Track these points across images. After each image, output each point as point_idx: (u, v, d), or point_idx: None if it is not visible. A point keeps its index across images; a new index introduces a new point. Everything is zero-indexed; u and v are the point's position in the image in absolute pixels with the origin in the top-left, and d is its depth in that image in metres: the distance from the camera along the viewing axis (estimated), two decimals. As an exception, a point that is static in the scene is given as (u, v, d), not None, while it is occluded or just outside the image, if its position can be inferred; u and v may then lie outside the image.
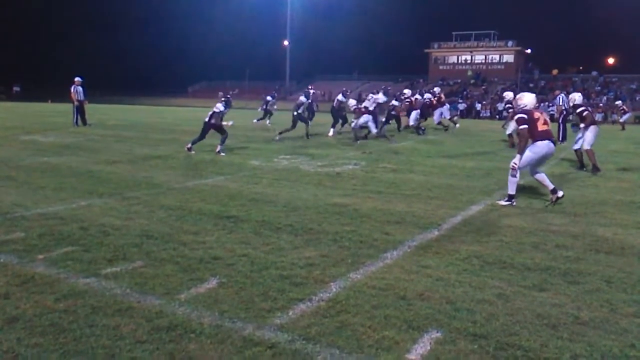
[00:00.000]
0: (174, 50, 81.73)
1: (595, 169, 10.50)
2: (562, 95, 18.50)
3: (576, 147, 11.08)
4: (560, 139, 17.00)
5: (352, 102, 17.62)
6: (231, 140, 15.79)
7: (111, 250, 4.72)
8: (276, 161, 11.15)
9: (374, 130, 15.86)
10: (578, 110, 11.03)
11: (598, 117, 17.47)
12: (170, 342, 3.02)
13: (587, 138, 10.80)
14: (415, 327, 3.29)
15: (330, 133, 18.17)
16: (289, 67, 70.56)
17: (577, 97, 11.55)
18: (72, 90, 20.53)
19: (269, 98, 24.56)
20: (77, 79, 20.62)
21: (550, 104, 16.86)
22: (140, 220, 5.86)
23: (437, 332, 3.23)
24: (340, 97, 18.94)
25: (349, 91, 20.14)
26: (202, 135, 12.37)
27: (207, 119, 12.24)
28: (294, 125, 16.66)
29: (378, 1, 75.56)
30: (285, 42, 70.58)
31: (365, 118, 15.79)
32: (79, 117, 20.56)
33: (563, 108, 17.63)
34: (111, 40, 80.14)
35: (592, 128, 10.83)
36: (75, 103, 20.59)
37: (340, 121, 18.98)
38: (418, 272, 4.31)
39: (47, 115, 28.84)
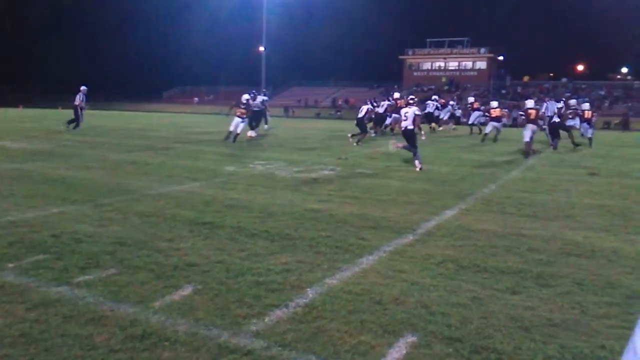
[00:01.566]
0: (149, 55, 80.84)
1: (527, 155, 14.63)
2: (548, 102, 19.05)
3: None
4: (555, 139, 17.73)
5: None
6: (206, 145, 15.71)
7: (84, 257, 4.64)
8: (252, 167, 11.11)
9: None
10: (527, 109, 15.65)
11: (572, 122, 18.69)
12: (145, 351, 2.98)
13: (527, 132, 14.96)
14: (390, 331, 3.31)
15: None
16: (265, 73, 70.50)
17: (529, 103, 16.48)
18: (79, 97, 21.53)
19: (264, 98, 22.28)
20: (83, 87, 21.71)
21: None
22: (114, 227, 5.78)
23: (413, 336, 3.25)
24: (369, 106, 19.65)
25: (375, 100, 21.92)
26: None
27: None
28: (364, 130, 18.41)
29: (354, 8, 75.99)
30: (261, 48, 70.52)
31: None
32: (76, 123, 21.51)
33: (547, 115, 18.16)
34: (85, 46, 78.95)
35: (530, 126, 15.01)
36: (84, 109, 21.93)
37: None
38: (393, 277, 4.34)
39: (18, 121, 28.30)
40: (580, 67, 74.49)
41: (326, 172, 10.47)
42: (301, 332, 3.27)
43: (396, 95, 23.28)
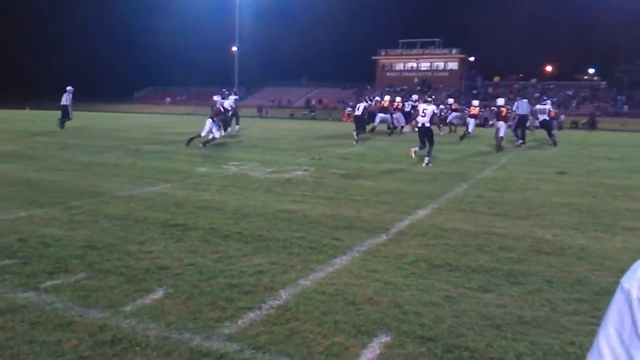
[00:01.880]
0: (120, 55, 79.69)
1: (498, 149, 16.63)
2: (519, 101, 20.17)
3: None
4: (520, 140, 18.91)
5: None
6: (178, 146, 15.54)
7: (52, 262, 4.54)
8: (225, 168, 11.03)
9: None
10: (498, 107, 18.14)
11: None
12: (115, 357, 2.93)
13: (501, 128, 17.30)
14: (364, 332, 3.32)
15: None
16: (238, 73, 70.16)
17: (500, 101, 18.55)
18: (67, 96, 22.43)
19: (235, 97, 22.39)
20: (69, 87, 22.45)
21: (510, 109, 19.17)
22: (84, 230, 5.67)
23: (386, 336, 3.26)
24: (365, 104, 20.60)
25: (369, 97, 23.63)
26: None
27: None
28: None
29: (326, 9, 76.15)
30: (234, 48, 70.15)
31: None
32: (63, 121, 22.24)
33: (517, 114, 19.15)
34: (54, 46, 77.38)
35: (500, 123, 17.47)
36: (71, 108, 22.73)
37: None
38: (367, 277, 4.35)
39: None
40: (548, 68, 75.96)
41: (300, 173, 10.45)
42: (274, 334, 3.25)
43: (387, 97, 24.38)
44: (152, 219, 6.22)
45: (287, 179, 9.67)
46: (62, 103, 22.61)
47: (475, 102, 24.86)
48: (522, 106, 19.50)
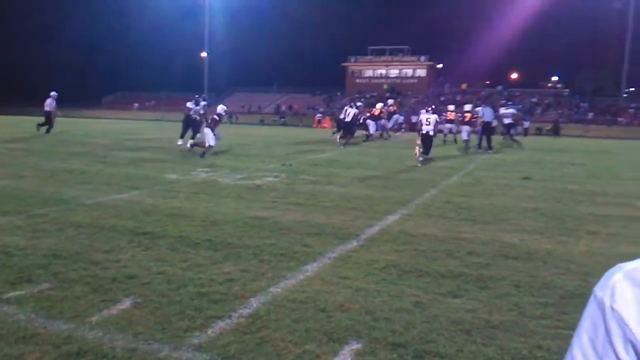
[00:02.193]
0: (87, 60, 78.21)
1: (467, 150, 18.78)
2: (483, 108, 21.08)
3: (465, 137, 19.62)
4: (488, 148, 19.31)
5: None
6: (147, 152, 15.33)
7: (14, 272, 4.41)
8: (194, 174, 10.92)
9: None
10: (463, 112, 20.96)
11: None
12: (80, 369, 2.86)
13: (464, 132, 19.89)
14: (335, 339, 3.31)
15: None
16: (208, 78, 69.67)
17: (467, 107, 21.17)
18: (51, 102, 22.48)
19: (203, 103, 21.10)
20: (53, 92, 22.61)
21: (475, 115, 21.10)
22: (48, 239, 5.52)
23: (357, 343, 3.26)
24: (355, 110, 21.73)
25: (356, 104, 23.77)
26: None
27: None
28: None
29: (297, 15, 76.30)
30: (204, 54, 69.64)
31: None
32: (49, 127, 22.41)
33: (483, 120, 19.95)
34: (20, 50, 75.58)
35: (464, 127, 20.16)
36: (57, 114, 23.17)
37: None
38: (338, 284, 4.35)
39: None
40: (514, 75, 77.59)
41: (270, 179, 10.41)
42: (245, 344, 3.22)
43: (379, 105, 25.95)
44: (119, 227, 6.10)
45: (257, 185, 9.62)
46: (45, 109, 22.71)
47: (451, 107, 25.62)
48: (486, 113, 20.26)
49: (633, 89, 62.31)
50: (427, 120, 14.54)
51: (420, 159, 13.92)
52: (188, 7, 64.64)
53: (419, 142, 14.23)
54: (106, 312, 3.63)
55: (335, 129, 24.87)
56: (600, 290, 0.82)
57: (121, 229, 5.98)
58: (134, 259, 4.89)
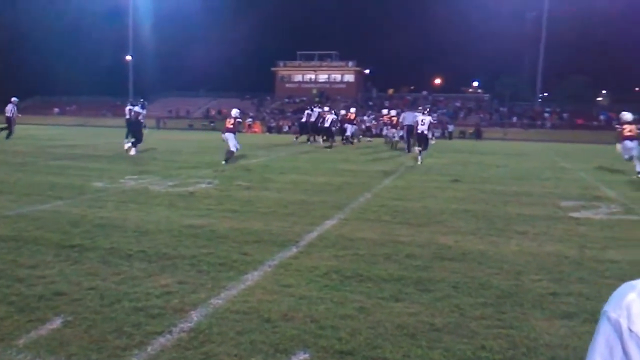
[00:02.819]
0: (2, 62, 73.65)
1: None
2: (405, 112, 23.58)
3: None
4: (408, 149, 21.03)
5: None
6: (70, 160, 14.60)
7: None
8: (122, 182, 10.48)
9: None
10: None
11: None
12: (8, 398, 2.63)
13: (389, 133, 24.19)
14: (282, 350, 3.24)
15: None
16: (132, 82, 67.48)
17: (392, 112, 25.11)
18: (12, 108, 22.98)
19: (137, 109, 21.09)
20: (14, 99, 23.33)
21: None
22: (-37, 255, 5.10)
23: (305, 353, 3.20)
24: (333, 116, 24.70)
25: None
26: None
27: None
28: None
29: (224, 18, 75.39)
30: (128, 57, 67.41)
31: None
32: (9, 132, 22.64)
33: (404, 124, 22.02)
34: None
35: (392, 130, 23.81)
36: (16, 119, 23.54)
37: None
38: (280, 292, 4.27)
39: None
40: (437, 81, 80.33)
41: (203, 186, 10.16)
42: (188, 360, 3.08)
43: (353, 110, 27.91)
44: (44, 240, 5.73)
45: (190, 192, 9.36)
46: (6, 115, 23.10)
47: (393, 112, 27.65)
48: (407, 117, 22.28)
49: (547, 94, 66.01)
50: (422, 121, 16.88)
51: (420, 159, 16.09)
52: (111, 8, 62.39)
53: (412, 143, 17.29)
54: (34, 333, 3.38)
55: (298, 134, 28.08)
56: (614, 311, 0.80)
57: (46, 242, 5.62)
58: (62, 274, 4.60)
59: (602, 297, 4.31)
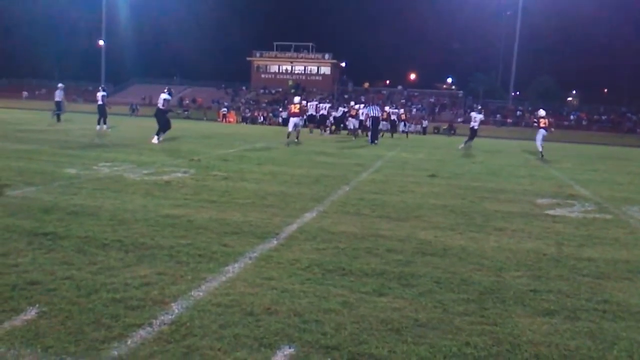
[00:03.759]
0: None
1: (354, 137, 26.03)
2: (371, 106, 25.76)
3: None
4: (371, 140, 23.53)
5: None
6: (41, 144, 14.20)
7: None
8: (96, 169, 10.23)
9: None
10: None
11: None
12: (-19, 392, 2.51)
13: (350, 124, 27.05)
14: (266, 344, 3.17)
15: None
16: (105, 68, 66.18)
17: (358, 106, 27.48)
18: (59, 93, 26.01)
19: (100, 94, 24.03)
20: (60, 84, 26.65)
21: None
22: None
23: (290, 347, 3.15)
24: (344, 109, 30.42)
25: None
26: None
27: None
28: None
29: (200, 6, 74.35)
30: (101, 42, 66.02)
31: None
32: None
33: (370, 115, 24.62)
34: None
35: (351, 120, 26.59)
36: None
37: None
38: (262, 285, 4.20)
39: None
40: (412, 76, 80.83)
41: (179, 175, 9.99)
42: (170, 354, 2.99)
43: (357, 106, 29.26)
44: (15, 227, 5.52)
45: (166, 181, 9.19)
46: (56, 99, 25.90)
47: (357, 105, 29.22)
48: (373, 110, 24.88)
49: (518, 92, 67.02)
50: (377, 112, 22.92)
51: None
52: (84, -8, 60.99)
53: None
54: (8, 324, 3.24)
55: (314, 125, 30.05)
56: None
57: (18, 230, 5.42)
58: (36, 262, 4.45)
59: (581, 294, 4.38)
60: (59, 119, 25.28)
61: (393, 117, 31.40)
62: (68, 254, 4.73)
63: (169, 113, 18.46)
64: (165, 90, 18.48)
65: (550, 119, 21.86)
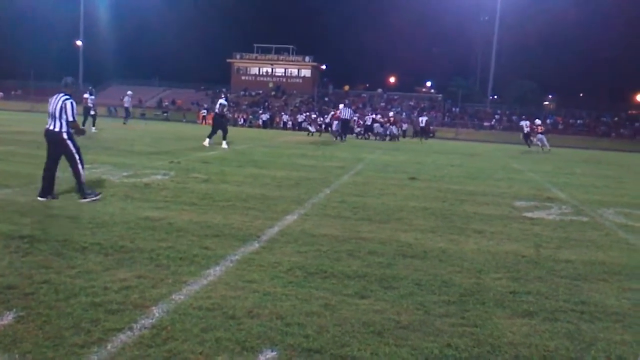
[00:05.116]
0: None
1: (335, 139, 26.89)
2: (343, 108, 27.78)
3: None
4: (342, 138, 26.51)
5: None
6: (17, 146, 13.96)
7: None
8: (73, 171, 10.05)
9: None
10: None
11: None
12: (-43, 399, 2.46)
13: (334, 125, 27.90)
14: (248, 348, 3.16)
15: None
16: (83, 69, 65.33)
17: (341, 107, 28.17)
18: (128, 99, 27.86)
19: (87, 96, 23.71)
20: (129, 92, 27.76)
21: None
22: None
23: (272, 351, 3.14)
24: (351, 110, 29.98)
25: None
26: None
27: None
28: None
29: (180, 6, 73.86)
30: (79, 42, 65.18)
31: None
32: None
33: (342, 117, 26.59)
34: None
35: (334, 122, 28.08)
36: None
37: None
38: (244, 288, 4.19)
39: None
40: (392, 80, 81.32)
41: (159, 177, 9.90)
42: (151, 358, 2.97)
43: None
44: (-9, 230, 5.43)
45: (145, 183, 9.10)
46: (124, 105, 27.70)
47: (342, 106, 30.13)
48: (344, 112, 27.22)
49: (496, 96, 67.84)
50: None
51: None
52: (61, -9, 60.17)
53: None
54: (-16, 329, 3.18)
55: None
56: None
57: (-7, 233, 5.33)
58: (12, 266, 4.37)
59: (559, 295, 4.44)
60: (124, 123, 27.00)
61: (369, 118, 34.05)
62: (46, 258, 4.66)
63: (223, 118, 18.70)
64: (222, 96, 19.52)
65: (541, 125, 29.48)
